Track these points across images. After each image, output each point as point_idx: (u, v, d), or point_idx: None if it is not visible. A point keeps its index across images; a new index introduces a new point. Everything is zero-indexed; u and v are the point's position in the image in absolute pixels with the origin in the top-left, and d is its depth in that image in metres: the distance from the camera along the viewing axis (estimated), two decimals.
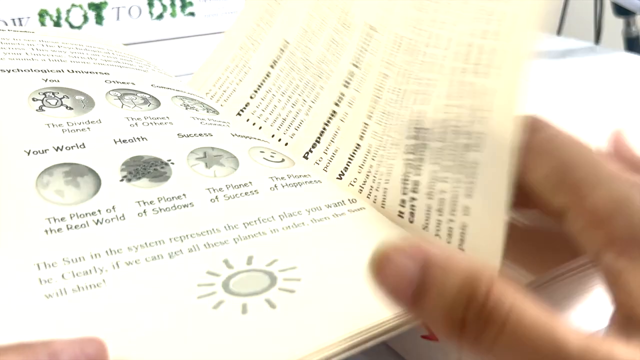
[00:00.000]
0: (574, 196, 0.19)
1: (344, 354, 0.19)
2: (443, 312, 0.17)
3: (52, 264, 0.20)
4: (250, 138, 0.30)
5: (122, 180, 0.24)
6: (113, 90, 0.30)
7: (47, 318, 0.18)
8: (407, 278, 0.17)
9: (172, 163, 0.25)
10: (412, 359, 0.26)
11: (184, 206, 0.24)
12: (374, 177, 0.28)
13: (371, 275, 0.18)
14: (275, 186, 0.26)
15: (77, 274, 0.20)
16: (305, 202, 0.26)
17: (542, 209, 0.21)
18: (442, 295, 0.17)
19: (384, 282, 0.18)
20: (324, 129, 0.32)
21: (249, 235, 0.23)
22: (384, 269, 0.18)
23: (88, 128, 0.26)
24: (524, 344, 0.16)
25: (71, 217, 0.22)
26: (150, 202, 0.23)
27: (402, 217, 0.26)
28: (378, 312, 0.20)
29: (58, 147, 0.24)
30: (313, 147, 0.32)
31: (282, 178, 0.27)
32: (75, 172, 0.24)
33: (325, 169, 0.30)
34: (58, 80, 0.29)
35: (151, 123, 0.28)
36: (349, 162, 0.30)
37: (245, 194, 0.25)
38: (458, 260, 0.17)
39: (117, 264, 0.21)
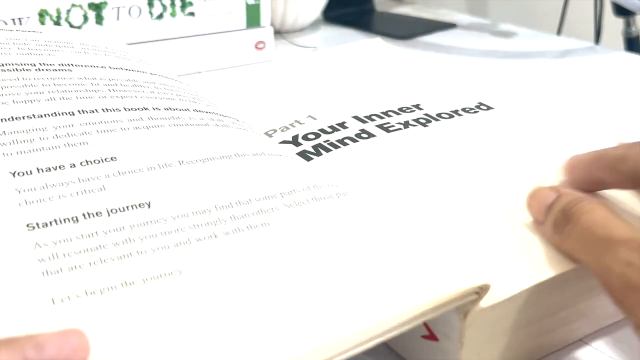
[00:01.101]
0: None
1: (344, 354, 0.19)
2: (552, 220, 0.25)
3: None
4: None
5: None
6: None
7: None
8: (545, 202, 0.26)
9: None
10: (412, 359, 0.26)
11: None
12: None
13: (527, 200, 0.27)
14: None
15: None
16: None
17: None
18: (555, 208, 0.26)
19: (532, 206, 0.27)
20: None
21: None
22: (534, 195, 0.27)
23: None
24: (586, 233, 0.24)
25: None
26: None
27: None
28: (379, 312, 0.20)
29: None
30: None
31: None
32: None
33: None
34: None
35: None
36: None
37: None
38: (576, 192, 0.26)
39: None
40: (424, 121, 0.36)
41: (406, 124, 0.35)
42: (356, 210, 0.26)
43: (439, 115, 0.37)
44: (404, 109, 0.38)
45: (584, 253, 0.24)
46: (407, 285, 0.21)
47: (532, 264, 0.25)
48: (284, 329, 0.19)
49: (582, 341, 0.27)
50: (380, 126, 0.35)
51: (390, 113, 0.37)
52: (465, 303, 0.22)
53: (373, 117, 0.36)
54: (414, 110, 0.37)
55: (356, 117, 0.36)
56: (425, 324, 0.24)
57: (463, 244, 0.26)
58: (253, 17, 0.60)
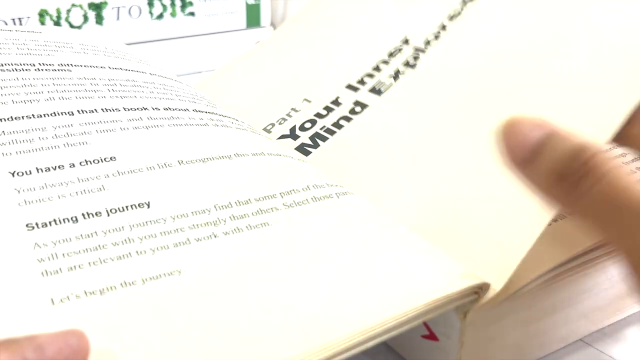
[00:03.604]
0: None
1: (344, 354, 0.19)
2: (549, 164, 0.20)
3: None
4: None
5: None
6: None
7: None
8: (529, 140, 0.20)
9: None
10: (412, 359, 0.26)
11: None
12: None
13: (499, 134, 0.21)
14: None
15: None
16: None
17: None
18: (554, 151, 0.20)
19: (508, 141, 0.21)
20: None
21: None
22: (512, 129, 0.20)
23: None
24: (614, 197, 0.18)
25: None
26: None
27: None
28: (379, 312, 0.20)
29: None
30: None
31: None
32: None
33: None
34: None
35: None
36: None
37: None
38: (577, 135, 0.20)
39: None
40: (413, 60, 0.35)
41: (396, 75, 0.35)
42: (356, 210, 0.26)
43: (427, 43, 0.36)
44: (393, 52, 0.37)
45: (608, 220, 0.19)
46: (407, 285, 0.21)
47: (532, 262, 0.25)
48: (284, 329, 0.19)
49: (582, 341, 0.27)
50: (373, 90, 0.35)
51: (380, 66, 0.36)
52: (465, 303, 0.22)
53: (365, 79, 0.36)
54: (402, 49, 0.36)
55: (349, 87, 0.36)
56: (425, 324, 0.24)
57: (463, 243, 0.25)
58: (253, 17, 0.60)
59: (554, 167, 0.20)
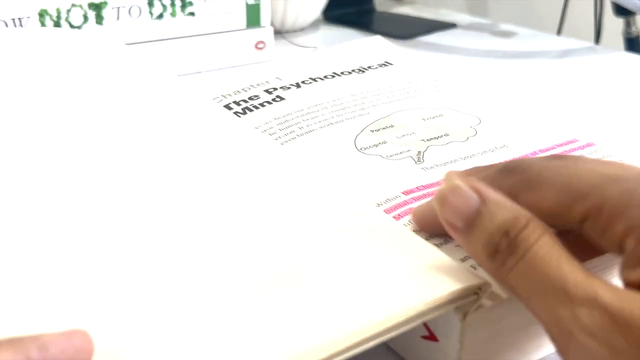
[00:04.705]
0: (589, 203, 0.21)
1: (344, 354, 0.19)
2: (484, 238, 0.21)
3: None
4: None
5: None
6: None
7: None
8: (466, 206, 0.22)
9: None
10: (412, 359, 0.26)
11: None
12: None
13: (437, 201, 0.22)
14: None
15: None
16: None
17: (561, 223, 0.22)
18: (489, 223, 0.21)
19: (446, 209, 0.22)
20: None
21: None
22: (451, 196, 0.22)
23: None
24: (532, 274, 0.20)
25: None
26: None
27: None
28: (379, 312, 0.20)
29: None
30: None
31: None
32: None
33: None
34: None
35: None
36: None
37: None
38: (510, 202, 0.21)
39: None
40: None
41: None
42: (356, 211, 0.26)
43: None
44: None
45: (530, 295, 0.20)
46: (407, 285, 0.21)
47: None
48: (284, 328, 0.19)
49: None
50: None
51: None
52: (465, 303, 0.22)
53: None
54: None
55: None
56: (425, 324, 0.24)
57: None
58: (253, 17, 0.60)
59: (486, 244, 0.21)
